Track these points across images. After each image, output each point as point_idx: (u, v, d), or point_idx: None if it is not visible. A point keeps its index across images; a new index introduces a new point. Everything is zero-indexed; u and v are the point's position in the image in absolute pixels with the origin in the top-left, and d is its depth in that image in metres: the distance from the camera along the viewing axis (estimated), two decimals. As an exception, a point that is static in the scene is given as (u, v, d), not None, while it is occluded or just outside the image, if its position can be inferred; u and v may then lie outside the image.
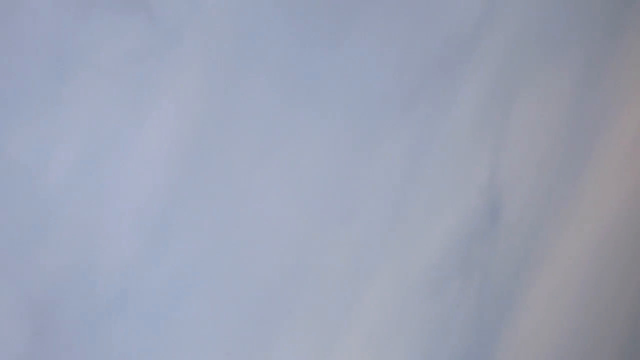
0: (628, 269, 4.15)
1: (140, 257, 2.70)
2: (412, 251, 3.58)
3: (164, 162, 2.79)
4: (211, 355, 2.84)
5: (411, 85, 3.42)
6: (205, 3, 2.78)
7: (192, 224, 2.89)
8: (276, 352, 3.03)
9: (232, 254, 2.99)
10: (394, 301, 3.54)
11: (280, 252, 3.12)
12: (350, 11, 3.20)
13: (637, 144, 4.06)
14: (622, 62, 3.95)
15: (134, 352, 2.63)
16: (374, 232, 3.44)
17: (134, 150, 2.70)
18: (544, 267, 3.91)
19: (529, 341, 3.90)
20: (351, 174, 3.32)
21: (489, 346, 3.78)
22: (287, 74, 3.04)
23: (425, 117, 3.49)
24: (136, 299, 2.65)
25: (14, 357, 2.39)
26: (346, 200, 3.31)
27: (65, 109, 2.51)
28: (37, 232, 2.45)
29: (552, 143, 3.80)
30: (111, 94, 2.63)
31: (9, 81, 2.40)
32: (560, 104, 3.81)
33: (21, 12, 2.40)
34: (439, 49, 3.46)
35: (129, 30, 2.63)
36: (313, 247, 3.24)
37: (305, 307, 3.17)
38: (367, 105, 3.32)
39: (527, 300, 3.87)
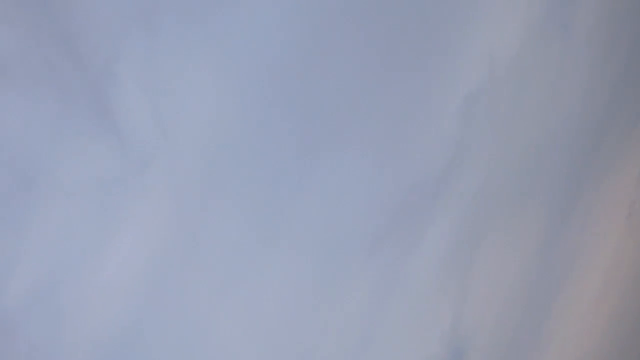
0: None
1: (95, 387, 2.62)
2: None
3: (124, 291, 2.74)
4: None
5: (377, 228, 3.42)
6: (174, 131, 2.78)
7: (151, 359, 2.81)
8: None
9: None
10: None
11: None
12: (318, 150, 3.22)
13: (602, 295, 4.05)
14: (584, 215, 3.98)
15: None
16: (333, 378, 3.38)
17: (95, 277, 2.65)
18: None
19: None
20: (312, 315, 3.28)
21: None
22: (255, 207, 3.02)
23: (390, 261, 3.47)
24: None
25: None
26: (305, 342, 3.26)
27: (28, 230, 2.47)
28: (-9, 353, 2.37)
29: (515, 291, 3.78)
30: (76, 218, 2.59)
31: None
32: (525, 251, 3.81)
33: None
34: (407, 193, 3.48)
35: (98, 154, 2.61)
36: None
37: None
38: (333, 246, 3.30)
39: None
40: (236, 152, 2.99)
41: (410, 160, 3.46)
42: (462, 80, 3.47)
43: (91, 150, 2.60)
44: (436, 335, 3.59)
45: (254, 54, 2.97)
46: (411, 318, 3.53)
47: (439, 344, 3.59)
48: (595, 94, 3.87)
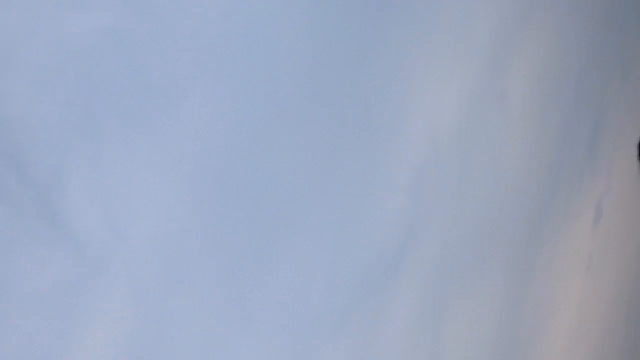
0: None
1: None
2: None
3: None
4: None
5: (340, 306, 3.51)
6: (128, 233, 2.89)
7: None
8: None
9: None
10: None
11: None
12: (275, 237, 3.32)
13: (570, 348, 4.12)
14: (545, 272, 4.07)
15: None
16: None
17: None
18: None
19: None
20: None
21: None
22: (215, 298, 3.12)
23: (356, 336, 3.56)
24: None
25: None
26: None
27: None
28: None
29: (485, 352, 3.86)
30: (37, 323, 2.69)
31: None
32: (491, 313, 3.90)
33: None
34: (368, 268, 3.58)
35: (54, 260, 2.72)
36: None
37: None
38: (298, 326, 3.39)
39: None
40: (192, 245, 3.10)
41: (367, 235, 3.57)
42: (408, 156, 3.60)
43: (47, 257, 2.71)
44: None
45: (200, 149, 3.09)
46: (382, 389, 3.61)
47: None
48: (538, 155, 3.99)
